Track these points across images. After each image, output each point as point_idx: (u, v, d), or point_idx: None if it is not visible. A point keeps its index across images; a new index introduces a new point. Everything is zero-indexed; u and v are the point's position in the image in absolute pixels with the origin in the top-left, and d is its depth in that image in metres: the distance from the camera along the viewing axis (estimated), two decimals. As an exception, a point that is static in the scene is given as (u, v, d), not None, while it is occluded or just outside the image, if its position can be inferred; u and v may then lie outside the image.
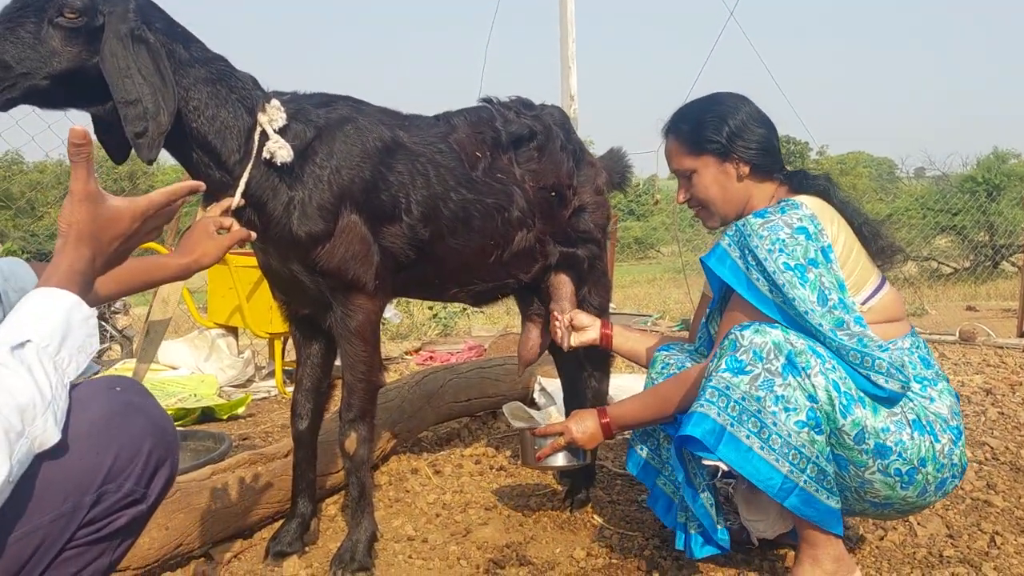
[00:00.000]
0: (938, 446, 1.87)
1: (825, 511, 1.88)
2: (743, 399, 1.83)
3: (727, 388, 1.85)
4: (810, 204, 1.97)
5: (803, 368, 1.82)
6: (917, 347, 2.00)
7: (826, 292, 1.85)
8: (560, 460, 2.33)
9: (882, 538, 2.33)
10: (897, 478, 1.85)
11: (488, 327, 8.11)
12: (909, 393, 1.89)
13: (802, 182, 2.10)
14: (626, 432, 2.36)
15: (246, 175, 2.01)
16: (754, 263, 1.90)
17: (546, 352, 3.00)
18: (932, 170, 22.24)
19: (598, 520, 2.59)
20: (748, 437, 1.83)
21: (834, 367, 1.83)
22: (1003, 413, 3.55)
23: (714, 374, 1.88)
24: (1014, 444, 3.12)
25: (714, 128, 2.08)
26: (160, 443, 1.21)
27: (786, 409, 1.82)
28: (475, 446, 3.38)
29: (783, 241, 1.88)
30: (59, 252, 1.20)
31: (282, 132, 2.04)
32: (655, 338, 2.55)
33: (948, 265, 16.74)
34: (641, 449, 2.31)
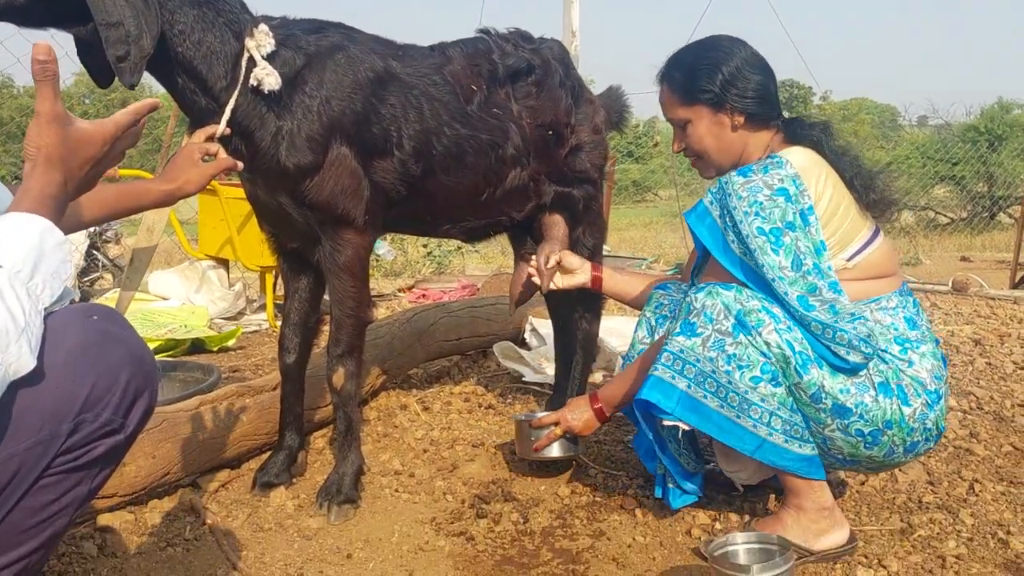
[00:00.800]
0: (908, 410, 1.86)
1: (799, 459, 1.89)
2: (698, 361, 1.87)
3: (682, 352, 1.88)
4: (797, 160, 1.92)
5: (754, 326, 1.83)
6: (904, 307, 1.97)
7: (801, 257, 1.83)
8: (556, 451, 2.35)
9: (863, 483, 2.35)
10: (859, 438, 1.86)
11: (482, 266, 8.10)
12: (885, 356, 1.89)
13: (797, 131, 2.05)
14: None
15: (232, 102, 1.96)
16: (731, 224, 1.89)
17: (538, 292, 2.99)
18: (935, 118, 22.05)
19: (583, 459, 2.61)
20: (706, 398, 1.87)
21: (789, 327, 1.83)
22: (990, 363, 3.57)
23: (670, 338, 1.91)
24: (999, 394, 3.14)
25: (707, 77, 2.01)
26: (138, 373, 1.20)
27: (739, 367, 1.84)
28: (464, 384, 3.39)
29: (760, 204, 1.85)
30: (28, 176, 1.16)
31: (270, 59, 1.99)
32: (646, 280, 2.53)
33: (945, 215, 16.71)
34: None
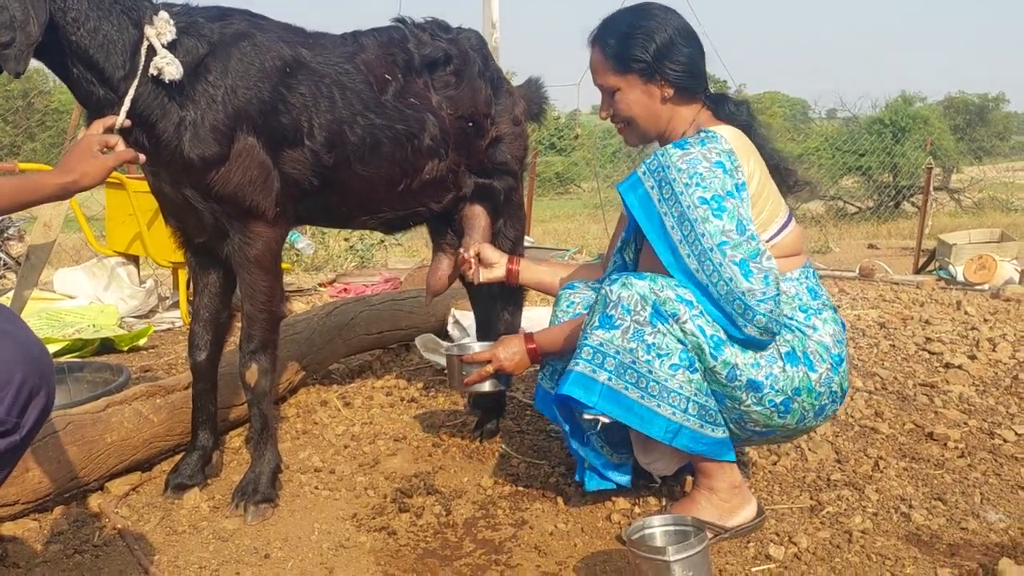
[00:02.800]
0: (814, 375, 1.94)
1: (713, 443, 1.95)
2: (618, 353, 1.89)
3: (601, 345, 1.90)
4: (729, 137, 1.96)
5: (671, 315, 1.87)
6: (807, 277, 2.05)
7: (744, 223, 1.87)
8: (487, 386, 2.33)
9: (775, 463, 2.43)
10: (772, 408, 1.92)
11: (406, 259, 8.03)
12: (792, 323, 1.96)
13: (725, 108, 2.09)
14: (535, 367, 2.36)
15: (131, 92, 1.88)
16: (669, 195, 1.90)
17: (460, 285, 2.98)
18: (843, 111, 22.83)
19: (506, 450, 2.62)
20: (627, 389, 1.90)
21: (701, 312, 1.88)
22: (894, 345, 3.73)
23: (590, 332, 1.93)
24: (902, 375, 3.28)
25: (641, 46, 2.00)
26: (33, 372, 1.14)
27: (659, 355, 1.88)
28: (387, 378, 3.36)
29: (700, 175, 1.88)
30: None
31: (171, 47, 1.92)
32: (564, 269, 2.54)
33: (853, 204, 17.39)
34: (551, 388, 2.27)
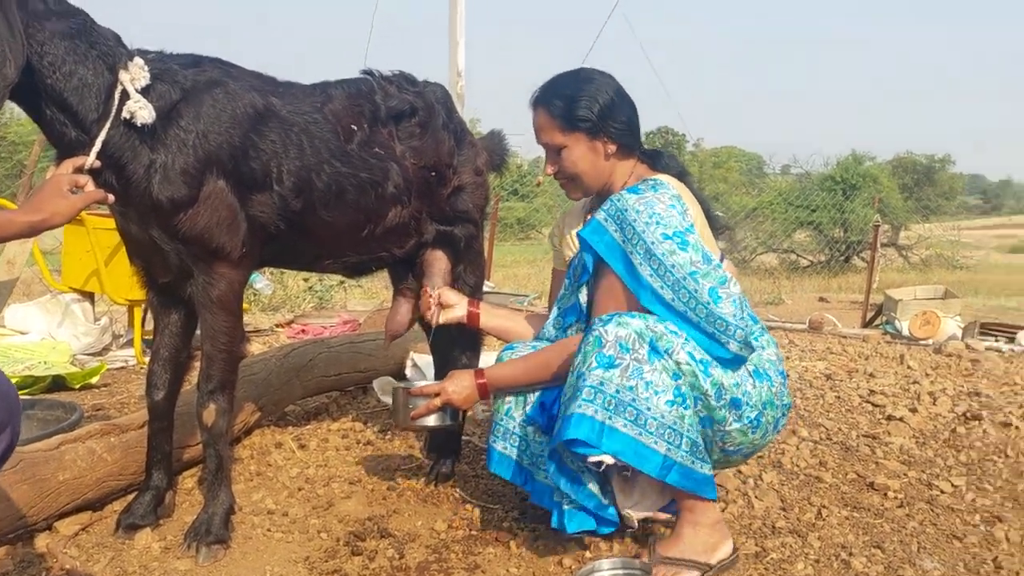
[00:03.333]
0: (773, 388, 2.09)
1: (701, 479, 2.01)
2: (618, 392, 1.94)
3: (601, 384, 1.95)
4: (673, 184, 2.12)
5: (666, 350, 1.96)
6: (745, 304, 2.18)
7: (708, 255, 2.00)
8: (432, 420, 2.33)
9: (723, 509, 2.49)
10: (748, 424, 2.04)
11: (365, 301, 8.03)
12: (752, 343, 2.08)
13: (661, 161, 2.27)
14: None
15: (103, 135, 1.92)
16: (631, 235, 2.00)
17: (419, 328, 3.03)
18: (796, 168, 23.49)
19: (461, 494, 2.64)
20: (626, 426, 1.94)
21: (687, 339, 1.97)
22: (839, 397, 3.85)
23: (587, 373, 1.96)
24: (846, 425, 3.39)
25: (586, 107, 2.15)
26: (1, 408, 1.16)
27: (656, 392, 1.95)
28: (343, 420, 3.37)
29: (659, 214, 1.99)
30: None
31: (145, 92, 1.97)
32: (523, 316, 2.61)
33: (805, 258, 17.82)
34: (508, 448, 2.30)
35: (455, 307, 2.52)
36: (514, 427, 2.29)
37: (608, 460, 1.97)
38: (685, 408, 1.97)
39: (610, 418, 1.94)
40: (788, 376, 4.13)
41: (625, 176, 2.23)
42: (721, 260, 2.17)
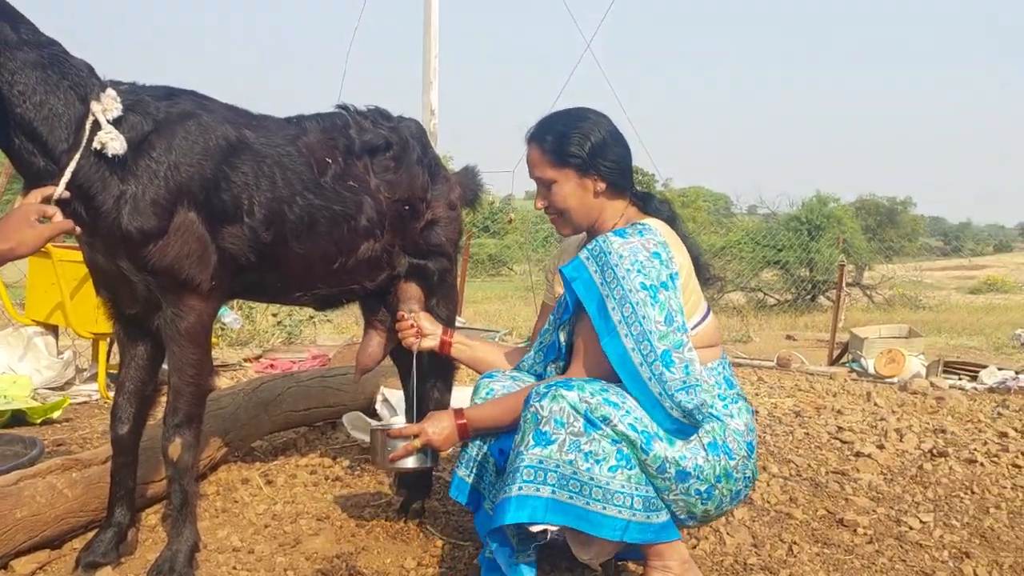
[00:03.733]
0: (732, 462, 2.02)
1: (659, 527, 2.00)
2: (558, 466, 1.94)
3: (540, 462, 1.94)
4: (662, 231, 2.10)
5: (602, 420, 1.94)
6: (724, 368, 2.16)
7: (673, 314, 1.98)
8: (411, 462, 2.29)
9: (694, 547, 2.48)
10: (697, 496, 2.00)
11: (335, 336, 7.98)
12: (713, 411, 2.04)
13: (651, 204, 2.25)
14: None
15: (73, 164, 1.90)
16: (611, 279, 2.00)
17: (390, 362, 3.00)
18: (763, 208, 23.92)
19: (431, 530, 2.61)
20: (572, 498, 1.93)
21: (628, 411, 1.95)
22: (808, 433, 3.88)
23: (525, 452, 1.96)
24: (815, 462, 3.41)
25: (577, 144, 2.15)
26: None
27: (597, 461, 1.93)
28: (311, 456, 3.32)
29: (641, 263, 2.00)
30: None
31: (117, 123, 1.96)
32: (497, 348, 2.60)
33: (772, 296, 18.03)
34: (468, 475, 2.30)
35: (428, 336, 2.52)
36: (476, 454, 2.28)
37: (553, 529, 1.98)
38: (631, 469, 1.95)
39: (554, 492, 1.93)
40: (757, 412, 4.18)
41: (615, 217, 2.21)
42: (707, 313, 2.16)
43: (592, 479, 1.93)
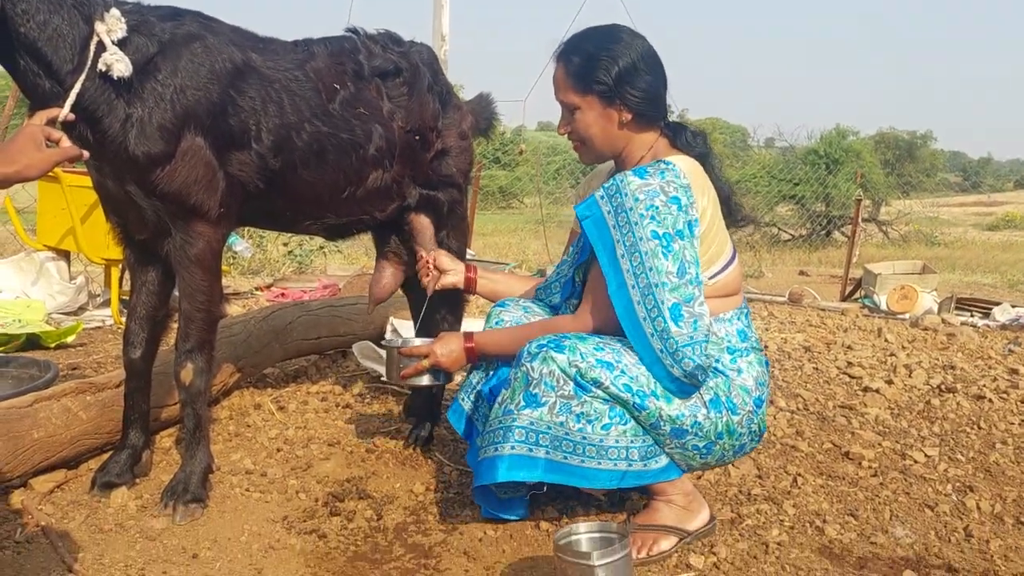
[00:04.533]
0: (736, 418, 2.00)
1: (658, 472, 2.01)
2: (549, 428, 1.93)
3: (532, 424, 1.94)
4: (687, 170, 1.98)
5: (592, 383, 1.92)
6: (739, 319, 2.10)
7: (686, 265, 1.91)
8: (425, 379, 2.33)
9: (699, 477, 2.51)
10: (695, 451, 2.00)
11: (345, 266, 7.99)
12: (718, 366, 2.01)
13: (682, 138, 2.10)
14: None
15: (78, 86, 1.87)
16: (623, 222, 1.93)
17: (400, 294, 3.01)
18: (781, 141, 23.49)
19: (439, 457, 2.65)
20: (566, 458, 1.94)
21: (623, 371, 1.92)
22: (817, 368, 3.89)
23: (516, 412, 1.95)
24: (823, 396, 3.42)
25: (604, 69, 1.99)
26: None
27: (589, 421, 1.93)
28: (322, 383, 3.36)
29: (656, 208, 1.91)
30: None
31: (122, 44, 1.92)
32: (520, 281, 2.58)
33: (787, 231, 17.88)
34: (465, 401, 2.31)
35: (449, 273, 2.48)
36: (477, 382, 2.30)
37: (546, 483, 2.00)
38: (625, 423, 1.94)
39: (548, 453, 1.94)
40: (766, 347, 4.18)
41: (642, 150, 2.07)
42: (732, 259, 2.08)
43: (585, 438, 1.93)
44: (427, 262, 2.50)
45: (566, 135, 2.14)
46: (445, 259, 2.51)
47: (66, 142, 1.79)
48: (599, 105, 2.04)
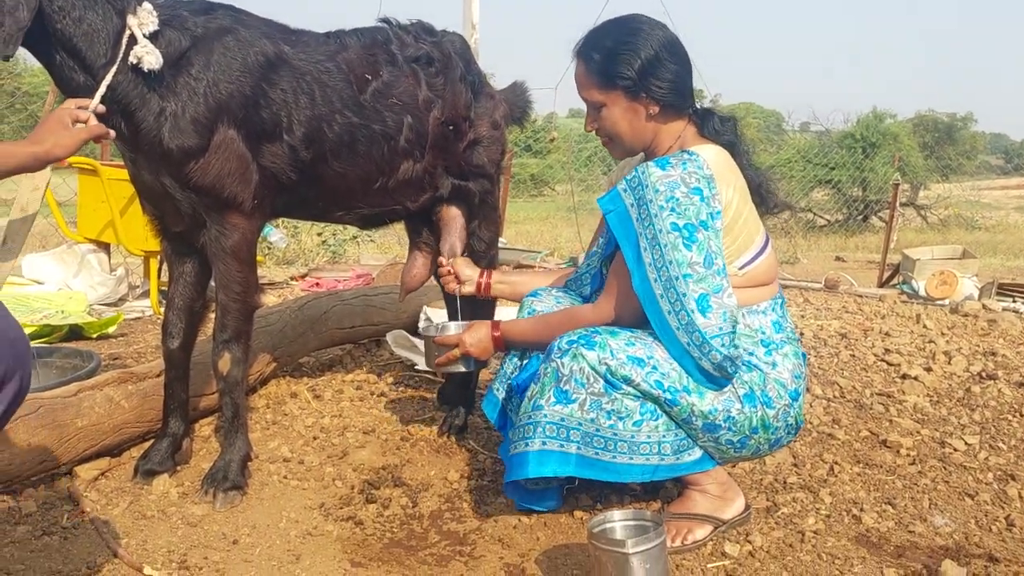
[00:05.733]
0: (771, 412, 1.98)
1: (691, 464, 2.01)
2: (580, 425, 1.93)
3: (562, 420, 1.93)
4: (712, 160, 1.94)
5: (623, 380, 1.90)
6: (774, 310, 2.06)
7: (712, 256, 1.88)
8: (460, 366, 2.36)
9: (734, 465, 2.49)
10: (728, 446, 1.98)
11: (378, 255, 8.04)
12: (752, 360, 1.99)
13: (710, 125, 2.07)
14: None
15: (108, 78, 1.90)
16: (644, 215, 1.91)
17: (433, 282, 3.02)
18: (816, 125, 23.15)
19: (473, 444, 2.66)
20: (598, 454, 1.94)
21: (655, 367, 1.90)
22: (854, 355, 3.83)
23: (546, 407, 1.94)
24: (860, 384, 3.38)
25: (626, 63, 1.96)
26: (9, 354, 1.18)
27: (620, 418, 1.92)
28: (357, 372, 3.39)
29: (677, 200, 1.88)
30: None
31: (154, 38, 1.95)
32: (539, 277, 2.58)
33: (823, 217, 17.63)
34: (499, 391, 2.31)
35: (466, 283, 2.51)
36: (511, 372, 2.30)
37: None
38: (657, 418, 1.93)
39: (579, 448, 1.93)
40: (802, 335, 4.14)
41: (672, 139, 2.04)
42: (764, 247, 2.04)
43: (616, 435, 1.92)
44: (448, 270, 2.53)
45: (593, 132, 2.11)
46: (463, 268, 2.53)
47: (93, 121, 1.82)
48: (625, 100, 2.00)
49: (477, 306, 2.80)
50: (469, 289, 2.51)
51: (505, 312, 3.63)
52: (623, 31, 2.01)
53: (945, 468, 2.56)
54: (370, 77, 2.38)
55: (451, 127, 2.55)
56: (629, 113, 2.01)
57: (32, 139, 1.70)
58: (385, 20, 2.55)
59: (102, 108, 1.89)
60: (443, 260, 2.59)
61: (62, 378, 2.82)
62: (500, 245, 5.23)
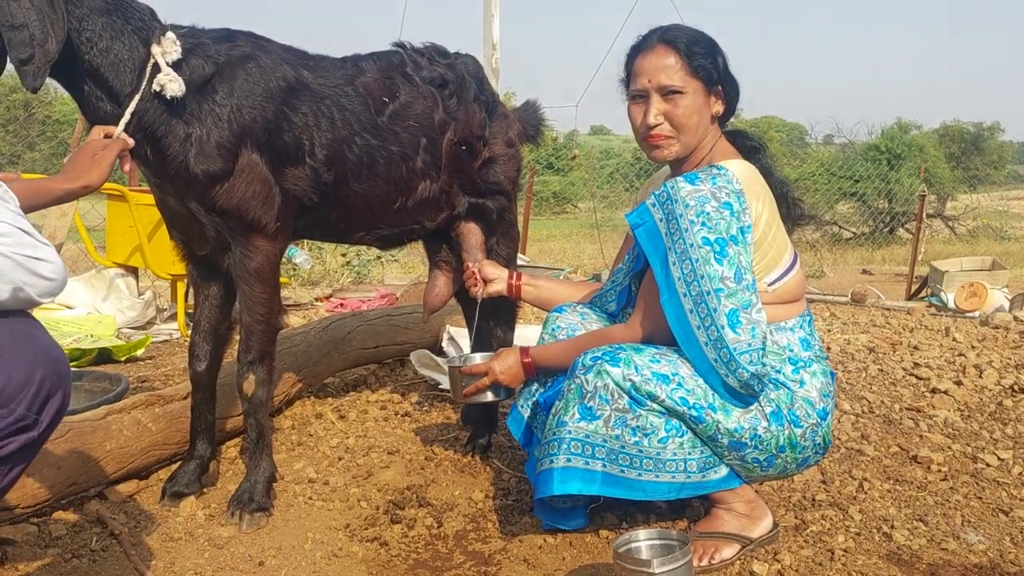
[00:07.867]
0: (799, 431, 1.96)
1: (717, 482, 1.99)
2: (605, 441, 1.92)
3: (587, 436, 1.93)
4: (740, 175, 1.94)
5: (648, 397, 1.89)
6: (801, 327, 2.04)
7: (742, 271, 1.87)
8: (488, 395, 2.35)
9: (761, 483, 2.47)
10: (755, 464, 1.97)
11: (402, 275, 8.08)
12: (779, 378, 1.97)
13: (742, 143, 2.09)
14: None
15: (132, 105, 1.94)
16: (674, 229, 1.90)
17: (455, 301, 3.03)
18: (840, 137, 22.98)
19: (498, 464, 2.66)
20: (623, 471, 1.93)
21: (679, 384, 1.89)
22: (882, 370, 3.78)
23: (570, 424, 1.94)
24: (889, 399, 3.33)
25: (711, 57, 1.97)
26: (52, 372, 1.22)
27: (645, 435, 1.91)
28: (381, 392, 3.40)
29: (707, 214, 1.87)
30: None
31: (178, 66, 1.99)
32: (565, 286, 2.59)
33: (848, 230, 17.47)
34: (524, 408, 2.31)
35: (495, 281, 2.51)
36: (536, 389, 2.30)
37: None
38: (682, 435, 1.92)
39: (605, 466, 1.92)
40: (829, 349, 4.09)
41: (708, 147, 2.03)
42: (793, 264, 2.03)
43: (641, 452, 1.91)
44: (473, 272, 2.53)
45: (657, 124, 1.98)
46: (489, 268, 2.54)
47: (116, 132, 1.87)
48: (702, 92, 1.99)
49: (497, 316, 2.81)
50: (499, 287, 2.51)
51: (523, 332, 3.64)
52: (701, 33, 2.04)
53: (978, 484, 2.51)
54: (387, 100, 2.41)
55: (465, 147, 2.58)
56: (703, 107, 2.00)
57: (66, 175, 1.75)
58: (399, 44, 2.58)
59: (132, 142, 1.93)
60: (468, 264, 2.60)
61: (91, 401, 2.86)
62: (523, 263, 5.22)
